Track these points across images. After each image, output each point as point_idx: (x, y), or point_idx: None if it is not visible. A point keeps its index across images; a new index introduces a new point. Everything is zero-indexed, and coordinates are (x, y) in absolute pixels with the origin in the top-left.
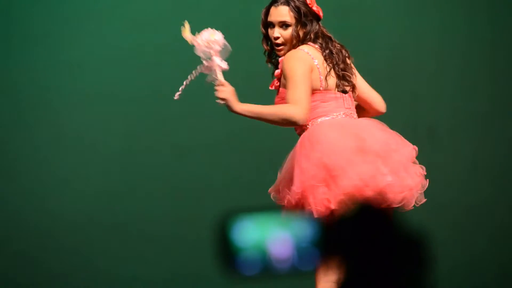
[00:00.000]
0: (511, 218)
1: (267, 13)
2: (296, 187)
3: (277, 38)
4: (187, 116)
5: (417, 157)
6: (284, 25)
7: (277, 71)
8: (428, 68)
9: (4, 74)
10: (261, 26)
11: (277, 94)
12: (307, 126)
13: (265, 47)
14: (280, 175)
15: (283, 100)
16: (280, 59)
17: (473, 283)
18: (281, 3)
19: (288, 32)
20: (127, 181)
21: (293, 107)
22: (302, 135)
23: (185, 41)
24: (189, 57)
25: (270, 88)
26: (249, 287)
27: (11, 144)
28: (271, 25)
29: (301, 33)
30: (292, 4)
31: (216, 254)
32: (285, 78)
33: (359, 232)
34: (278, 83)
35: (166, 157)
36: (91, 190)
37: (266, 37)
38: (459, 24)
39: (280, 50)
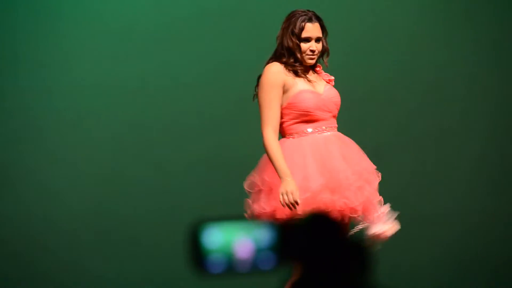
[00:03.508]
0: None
1: (302, 28)
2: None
3: (314, 51)
4: (171, 134)
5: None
6: (318, 39)
7: (331, 78)
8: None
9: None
10: (293, 38)
11: (333, 92)
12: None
13: (299, 56)
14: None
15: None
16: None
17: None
18: (315, 20)
19: (320, 45)
20: (115, 191)
21: None
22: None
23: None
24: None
25: (332, 84)
26: (216, 284)
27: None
28: (306, 40)
29: (326, 46)
30: (322, 21)
31: (189, 255)
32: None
33: (313, 237)
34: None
35: (150, 172)
36: (79, 197)
37: (297, 49)
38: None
39: (313, 59)
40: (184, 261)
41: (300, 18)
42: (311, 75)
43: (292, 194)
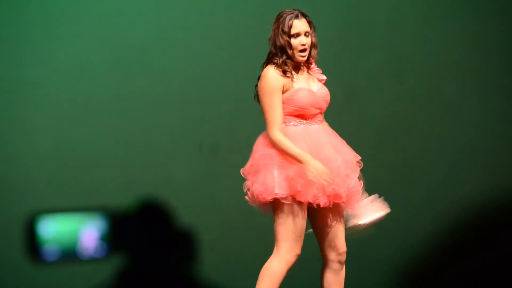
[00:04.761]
0: None
1: (290, 26)
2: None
3: (305, 44)
4: (17, 128)
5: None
6: (307, 33)
7: (324, 78)
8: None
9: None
10: (284, 36)
11: (325, 91)
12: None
13: (290, 53)
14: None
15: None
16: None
17: None
18: (302, 17)
19: (310, 39)
20: None
21: None
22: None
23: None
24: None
25: (323, 83)
26: (52, 270)
27: None
28: (295, 35)
29: (315, 39)
30: (308, 17)
31: (27, 244)
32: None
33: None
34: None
35: None
36: None
37: (288, 46)
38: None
39: (304, 55)
40: (22, 250)
41: (287, 17)
42: (303, 74)
43: (322, 169)
